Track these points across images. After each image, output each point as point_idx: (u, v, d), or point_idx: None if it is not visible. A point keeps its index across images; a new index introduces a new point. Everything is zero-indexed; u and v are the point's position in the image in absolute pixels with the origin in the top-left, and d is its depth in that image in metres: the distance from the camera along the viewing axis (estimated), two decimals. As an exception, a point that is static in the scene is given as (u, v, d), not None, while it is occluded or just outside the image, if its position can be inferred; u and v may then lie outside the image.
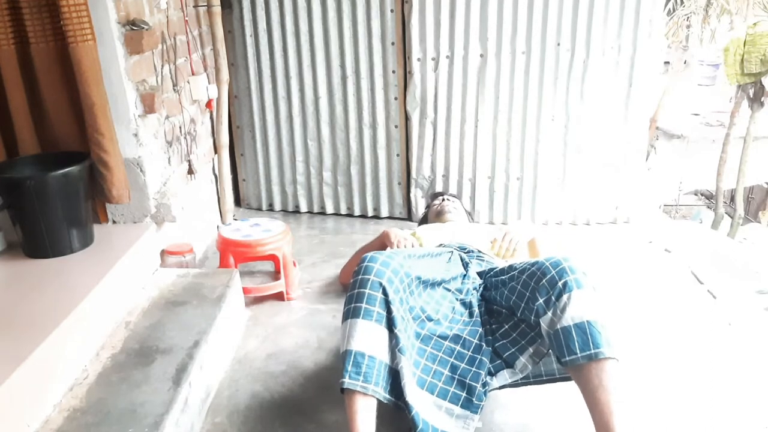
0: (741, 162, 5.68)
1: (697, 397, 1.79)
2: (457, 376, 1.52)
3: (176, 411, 1.51)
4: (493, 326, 1.63)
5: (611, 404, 1.33)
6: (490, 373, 1.52)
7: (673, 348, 2.05)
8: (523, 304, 1.53)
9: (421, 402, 1.45)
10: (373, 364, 1.42)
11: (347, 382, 1.40)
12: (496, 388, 1.55)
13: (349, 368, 1.41)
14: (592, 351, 1.36)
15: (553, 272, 1.47)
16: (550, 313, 1.44)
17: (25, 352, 1.40)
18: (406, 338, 1.48)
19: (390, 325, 1.46)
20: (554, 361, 1.50)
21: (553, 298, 1.44)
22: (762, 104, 5.43)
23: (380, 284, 1.47)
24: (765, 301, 2.41)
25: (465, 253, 1.99)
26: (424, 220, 2.70)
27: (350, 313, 1.48)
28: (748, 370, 1.93)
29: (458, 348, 1.56)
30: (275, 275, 2.45)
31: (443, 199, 2.64)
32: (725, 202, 6.15)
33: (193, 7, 2.69)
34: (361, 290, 1.48)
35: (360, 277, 1.50)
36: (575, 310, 1.41)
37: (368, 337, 1.44)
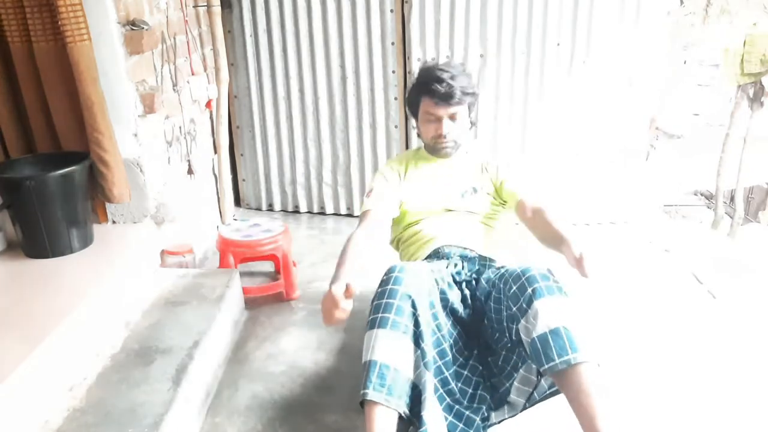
0: (741, 162, 5.68)
1: (696, 398, 1.79)
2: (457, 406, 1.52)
3: (176, 411, 1.51)
4: (491, 358, 1.62)
5: (595, 407, 1.33)
6: (491, 408, 1.53)
7: (673, 348, 2.05)
8: (504, 312, 1.53)
9: (436, 422, 1.41)
10: (398, 378, 1.39)
11: (371, 393, 1.36)
12: (495, 423, 1.55)
13: (374, 379, 1.37)
14: (570, 356, 1.35)
15: (523, 279, 1.47)
16: (524, 321, 1.44)
17: (24, 352, 1.41)
18: (432, 354, 1.47)
19: (417, 338, 1.44)
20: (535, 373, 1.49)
21: (524, 305, 1.44)
22: (762, 104, 5.42)
23: (410, 296, 1.45)
24: (765, 300, 2.41)
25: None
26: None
27: (376, 323, 1.44)
28: (748, 370, 1.93)
29: (460, 385, 1.56)
30: (275, 275, 2.45)
31: None
32: (725, 202, 6.14)
33: (193, 7, 2.69)
34: (390, 300, 1.45)
35: (389, 287, 1.48)
36: (548, 317, 1.40)
37: (394, 349, 1.41)
